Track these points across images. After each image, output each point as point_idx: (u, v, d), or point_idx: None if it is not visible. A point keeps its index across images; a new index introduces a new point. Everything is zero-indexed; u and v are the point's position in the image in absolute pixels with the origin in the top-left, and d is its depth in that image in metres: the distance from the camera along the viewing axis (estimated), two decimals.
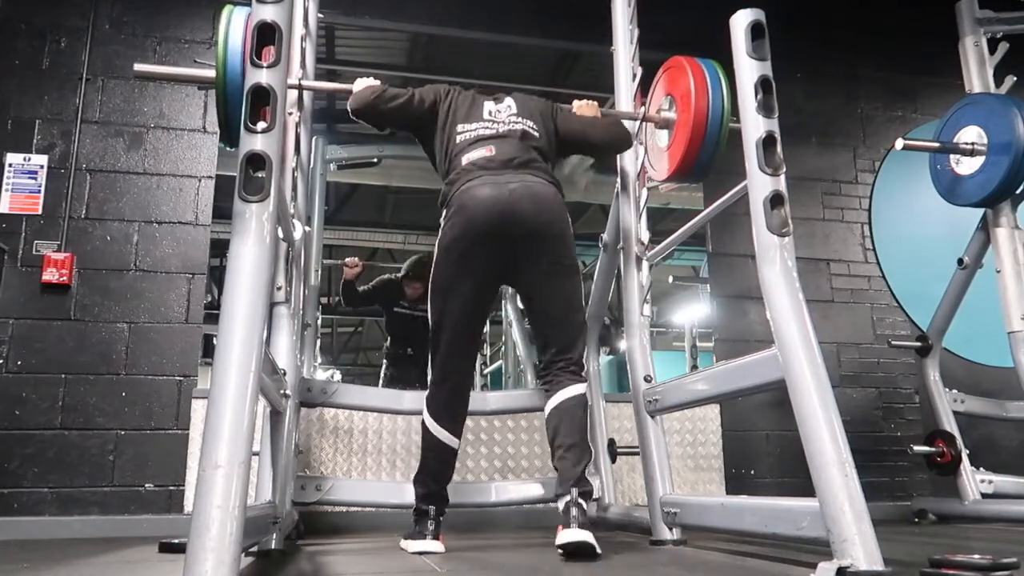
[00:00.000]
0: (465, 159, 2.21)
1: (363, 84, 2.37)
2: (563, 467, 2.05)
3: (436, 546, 2.09)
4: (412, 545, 2.12)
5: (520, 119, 2.29)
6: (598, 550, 1.85)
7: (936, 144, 3.32)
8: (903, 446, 3.64)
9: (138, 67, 2.29)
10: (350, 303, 4.43)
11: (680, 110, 2.53)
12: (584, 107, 2.50)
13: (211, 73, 2.21)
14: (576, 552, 1.84)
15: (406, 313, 4.32)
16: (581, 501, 1.95)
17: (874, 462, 3.71)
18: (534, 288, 2.21)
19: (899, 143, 3.26)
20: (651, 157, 2.72)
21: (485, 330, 5.65)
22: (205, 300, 3.18)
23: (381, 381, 4.42)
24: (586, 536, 1.85)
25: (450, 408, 2.21)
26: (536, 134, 2.29)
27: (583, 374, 2.22)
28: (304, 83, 2.54)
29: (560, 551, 1.87)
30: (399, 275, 4.41)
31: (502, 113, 2.30)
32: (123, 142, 3.23)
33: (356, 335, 9.42)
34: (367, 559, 2.06)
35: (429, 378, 2.24)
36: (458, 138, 2.26)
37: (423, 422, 2.23)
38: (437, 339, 2.18)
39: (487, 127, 2.26)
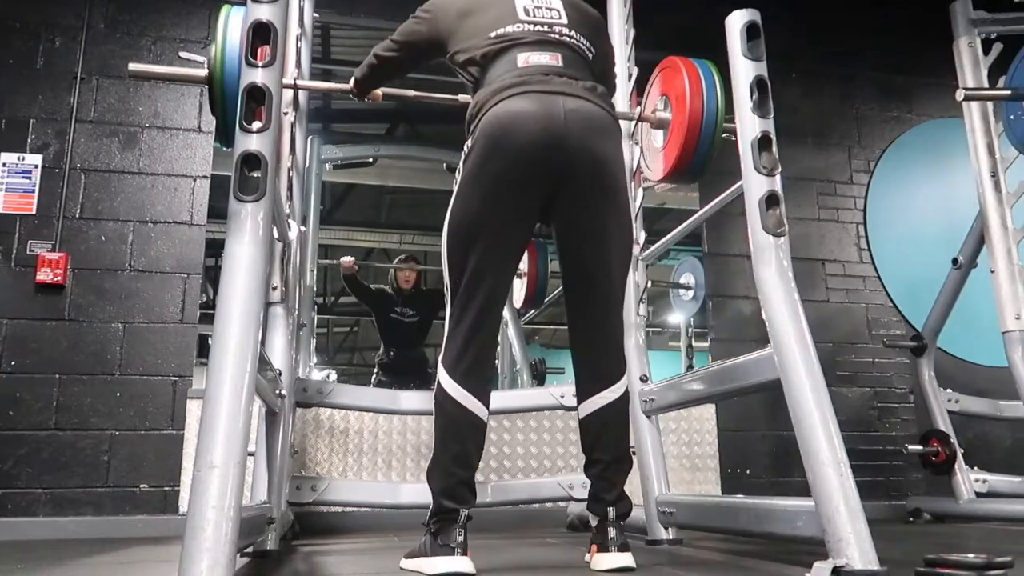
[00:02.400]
0: (502, 63, 1.76)
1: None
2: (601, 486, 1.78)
3: (465, 565, 1.58)
4: (431, 564, 1.59)
5: (569, 28, 1.84)
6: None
7: (1007, 92, 3.04)
8: (898, 446, 3.65)
9: (133, 66, 2.28)
10: (353, 289, 4.69)
11: (675, 110, 2.53)
12: None
13: (205, 72, 2.20)
14: None
15: (398, 320, 4.61)
16: (620, 522, 1.73)
17: (869, 462, 3.72)
18: (579, 239, 1.76)
19: (960, 94, 2.99)
20: (647, 157, 2.73)
21: None
22: (200, 300, 3.17)
23: (373, 385, 4.64)
24: (629, 561, 1.67)
25: (477, 369, 1.70)
26: (586, 49, 1.86)
27: (625, 364, 1.86)
28: (300, 83, 2.53)
29: None
30: (395, 263, 4.75)
31: (544, 9, 1.85)
32: (118, 142, 3.22)
33: (352, 335, 9.42)
34: (363, 559, 2.06)
35: (448, 337, 1.73)
36: (488, 45, 1.79)
37: (441, 390, 1.69)
38: (464, 291, 1.70)
39: (528, 27, 1.80)
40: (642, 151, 2.74)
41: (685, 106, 2.44)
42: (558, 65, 1.75)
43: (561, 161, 1.66)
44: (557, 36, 1.81)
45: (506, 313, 5.34)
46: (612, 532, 1.70)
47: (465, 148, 1.74)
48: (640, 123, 2.70)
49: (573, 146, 1.65)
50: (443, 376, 1.70)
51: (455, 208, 1.72)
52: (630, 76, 2.79)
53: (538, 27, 1.81)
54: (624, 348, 1.89)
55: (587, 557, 1.76)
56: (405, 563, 1.70)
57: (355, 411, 3.10)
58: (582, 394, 1.81)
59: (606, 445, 1.78)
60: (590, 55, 1.87)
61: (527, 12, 1.83)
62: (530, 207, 1.72)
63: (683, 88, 2.45)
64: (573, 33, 1.84)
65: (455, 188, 1.74)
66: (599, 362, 1.80)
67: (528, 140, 1.63)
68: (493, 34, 1.80)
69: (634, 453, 2.45)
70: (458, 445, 1.68)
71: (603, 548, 1.70)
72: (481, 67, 1.80)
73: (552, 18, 1.84)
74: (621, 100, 2.82)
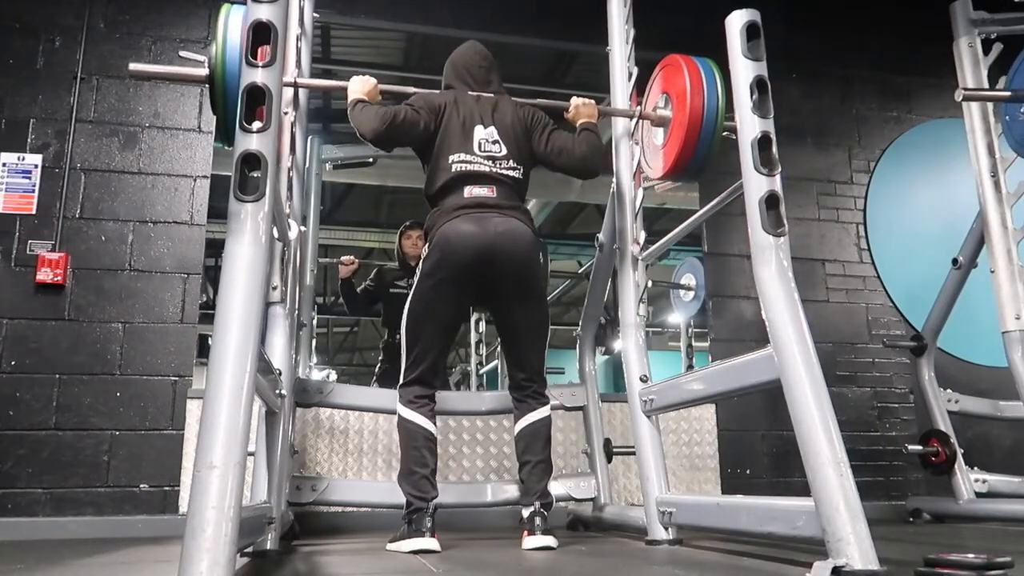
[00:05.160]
0: (454, 194, 2.30)
1: (360, 84, 2.36)
2: (529, 481, 2.29)
3: (434, 544, 2.10)
4: (407, 544, 2.10)
5: (506, 160, 2.35)
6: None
7: (1007, 93, 3.07)
8: (898, 446, 3.65)
9: (133, 66, 2.28)
10: (353, 307, 4.26)
11: (676, 108, 2.53)
12: (581, 107, 2.50)
13: (206, 71, 2.20)
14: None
15: (401, 293, 3.85)
16: (543, 511, 2.22)
17: (869, 462, 3.72)
18: (508, 318, 2.38)
19: (958, 94, 3.01)
20: (647, 155, 2.73)
21: (481, 330, 5.66)
22: (200, 300, 3.17)
23: (376, 375, 4.27)
24: (549, 541, 2.15)
25: (424, 398, 2.31)
26: (517, 174, 2.37)
27: (546, 394, 2.44)
28: (299, 80, 2.53)
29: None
30: (400, 230, 4.10)
31: (489, 143, 2.35)
32: (118, 142, 3.22)
33: (352, 335, 9.42)
34: (362, 559, 2.06)
35: (402, 375, 2.33)
36: (452, 168, 2.31)
37: (401, 418, 2.29)
38: (412, 344, 2.32)
39: (478, 165, 2.31)
40: (642, 149, 2.74)
41: (686, 104, 2.44)
42: (492, 195, 2.30)
43: (491, 264, 2.23)
44: (495, 173, 2.33)
45: None
46: (537, 520, 2.19)
47: (424, 251, 2.32)
48: (640, 121, 2.70)
49: (500, 252, 2.23)
50: (401, 408, 2.31)
51: (414, 296, 2.31)
52: (630, 76, 2.79)
53: (484, 164, 2.32)
54: (545, 381, 2.45)
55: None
56: (389, 546, 2.19)
57: (355, 411, 3.10)
58: (518, 413, 2.39)
59: (534, 451, 2.33)
60: (520, 178, 2.38)
61: (480, 146, 2.34)
62: (466, 300, 2.40)
63: (684, 86, 2.45)
64: (510, 164, 2.36)
65: (416, 279, 2.32)
66: (530, 392, 2.40)
67: (466, 253, 2.22)
68: (452, 159, 2.31)
69: (634, 453, 2.47)
70: (416, 451, 2.24)
71: (531, 532, 2.19)
72: (439, 194, 2.33)
73: (494, 152, 2.35)
74: (620, 99, 2.82)
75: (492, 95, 2.44)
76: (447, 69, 2.52)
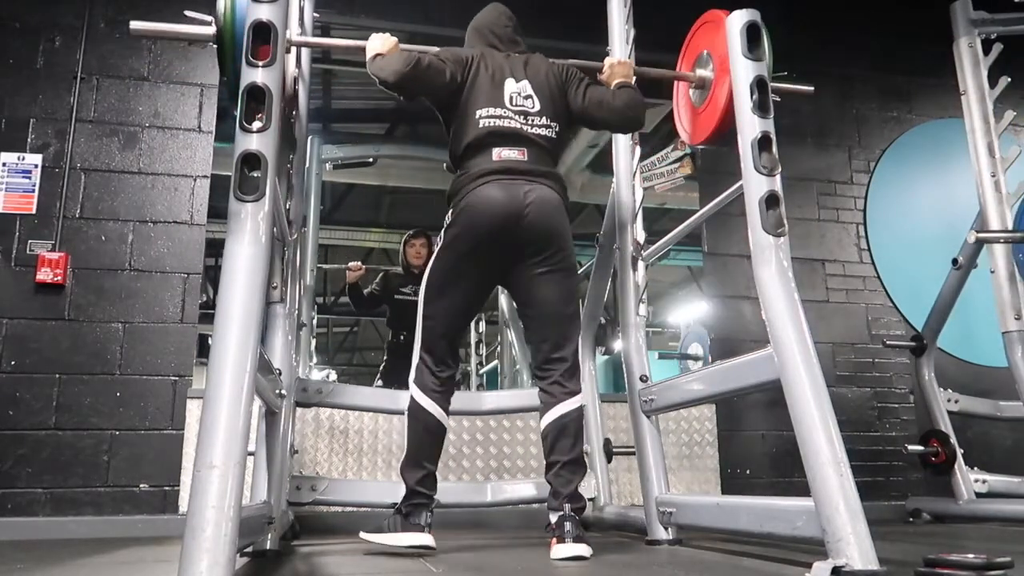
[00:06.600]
0: (481, 156, 2.13)
1: (380, 41, 2.18)
2: (557, 483, 2.06)
3: (430, 540, 2.02)
4: (402, 538, 2.01)
5: (540, 116, 2.18)
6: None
7: (1020, 234, 3.10)
8: (898, 446, 3.65)
9: (135, 24, 2.18)
10: (360, 307, 4.42)
11: (718, 68, 2.33)
12: (616, 66, 2.33)
13: (213, 29, 2.07)
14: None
15: (406, 299, 4.10)
16: (574, 515, 1.99)
17: (869, 462, 3.72)
18: (535, 289, 2.15)
19: (971, 236, 3.04)
20: (683, 119, 2.59)
21: (481, 330, 5.66)
22: (201, 300, 3.17)
23: (380, 372, 4.39)
24: (582, 550, 1.91)
25: (442, 385, 2.16)
26: (551, 133, 2.20)
27: (580, 378, 2.20)
28: (299, 39, 2.36)
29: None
30: (404, 239, 4.31)
31: (522, 97, 2.18)
32: (118, 141, 3.22)
33: (352, 335, 9.42)
34: (362, 560, 2.05)
35: (416, 357, 2.18)
36: (480, 124, 2.14)
37: (414, 403, 2.13)
38: (428, 320, 2.16)
39: (508, 120, 2.14)
40: (678, 112, 2.63)
41: (729, 63, 2.17)
42: (523, 160, 2.13)
43: (517, 234, 2.08)
44: (528, 131, 2.15)
45: (507, 313, 5.34)
46: (568, 526, 1.95)
47: (447, 218, 2.14)
48: (676, 82, 2.59)
49: (527, 222, 2.07)
50: (415, 392, 2.14)
51: (434, 265, 2.16)
52: None
53: (515, 119, 2.15)
54: (580, 369, 2.23)
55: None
56: (376, 536, 2.06)
57: (355, 411, 3.10)
58: (544, 407, 2.16)
59: (561, 449, 2.08)
60: (554, 137, 2.20)
61: (511, 100, 2.17)
62: (489, 275, 2.20)
63: (727, 43, 2.18)
64: (543, 121, 2.18)
65: (436, 248, 2.17)
66: (556, 378, 2.15)
67: (492, 223, 2.06)
68: (479, 113, 2.14)
69: (634, 453, 2.47)
70: (427, 444, 2.12)
71: (561, 540, 1.94)
72: (465, 155, 2.16)
73: (527, 107, 2.18)
74: None
75: (521, 53, 2.30)
76: (469, 33, 2.37)
